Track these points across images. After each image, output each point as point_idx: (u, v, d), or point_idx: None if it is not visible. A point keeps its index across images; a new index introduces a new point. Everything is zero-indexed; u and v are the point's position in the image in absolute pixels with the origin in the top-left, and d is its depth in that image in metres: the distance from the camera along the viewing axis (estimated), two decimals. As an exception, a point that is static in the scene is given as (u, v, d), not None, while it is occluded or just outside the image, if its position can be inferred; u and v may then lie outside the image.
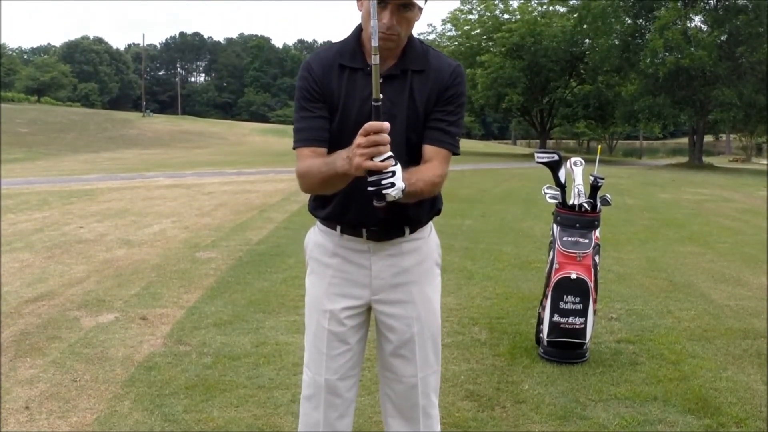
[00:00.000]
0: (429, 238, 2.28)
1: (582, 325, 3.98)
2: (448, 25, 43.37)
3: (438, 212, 2.28)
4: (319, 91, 2.07)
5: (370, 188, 1.77)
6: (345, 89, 2.06)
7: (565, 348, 4.03)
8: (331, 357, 2.21)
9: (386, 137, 1.76)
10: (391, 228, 2.16)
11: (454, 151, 2.12)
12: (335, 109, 2.08)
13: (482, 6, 41.87)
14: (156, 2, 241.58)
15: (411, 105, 2.07)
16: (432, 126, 2.09)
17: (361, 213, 2.10)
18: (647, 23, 34.90)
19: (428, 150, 2.09)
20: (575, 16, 37.57)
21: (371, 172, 1.77)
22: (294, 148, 2.11)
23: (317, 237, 2.26)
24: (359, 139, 1.77)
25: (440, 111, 2.09)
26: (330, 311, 2.21)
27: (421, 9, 2.00)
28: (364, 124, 1.80)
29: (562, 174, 4.13)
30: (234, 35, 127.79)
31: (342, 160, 1.86)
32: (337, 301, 2.20)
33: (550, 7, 41.25)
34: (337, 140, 2.05)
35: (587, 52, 38.33)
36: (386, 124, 1.77)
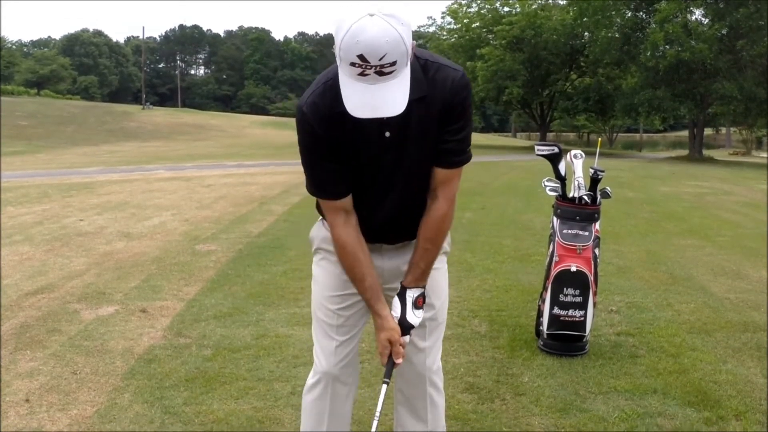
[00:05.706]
0: None
1: (582, 318, 3.97)
2: (448, 18, 43.28)
3: None
4: (325, 144, 2.02)
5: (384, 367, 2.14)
6: (351, 133, 1.99)
7: (564, 340, 4.03)
8: (339, 342, 2.27)
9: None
10: (405, 239, 2.24)
11: (467, 160, 2.13)
12: (344, 151, 2.04)
13: (482, -2, 41.76)
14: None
15: (418, 133, 2.03)
16: (443, 148, 2.07)
17: (376, 234, 2.20)
18: (648, 16, 34.78)
19: (441, 173, 2.11)
20: (575, 8, 37.41)
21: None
22: (312, 194, 2.15)
23: (327, 233, 2.25)
24: (383, 346, 2.14)
25: (448, 131, 2.05)
26: (341, 296, 2.25)
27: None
28: (376, 158, 2.00)
29: (562, 166, 4.12)
30: (234, 28, 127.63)
31: (372, 306, 2.13)
32: (349, 287, 2.22)
33: (550, 0, 41.14)
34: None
35: (587, 45, 38.18)
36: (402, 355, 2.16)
